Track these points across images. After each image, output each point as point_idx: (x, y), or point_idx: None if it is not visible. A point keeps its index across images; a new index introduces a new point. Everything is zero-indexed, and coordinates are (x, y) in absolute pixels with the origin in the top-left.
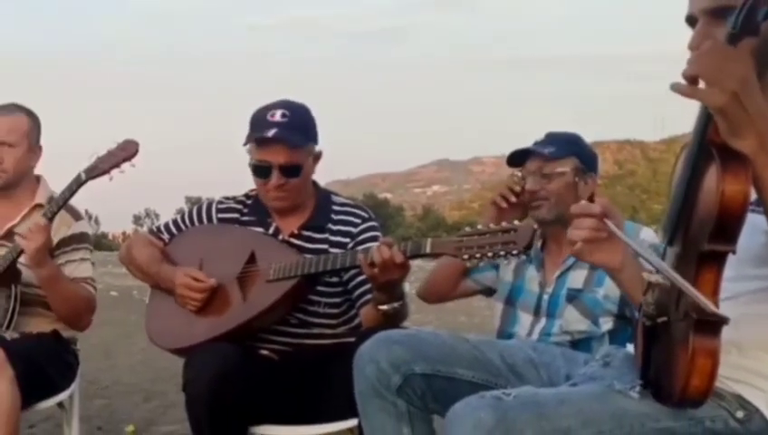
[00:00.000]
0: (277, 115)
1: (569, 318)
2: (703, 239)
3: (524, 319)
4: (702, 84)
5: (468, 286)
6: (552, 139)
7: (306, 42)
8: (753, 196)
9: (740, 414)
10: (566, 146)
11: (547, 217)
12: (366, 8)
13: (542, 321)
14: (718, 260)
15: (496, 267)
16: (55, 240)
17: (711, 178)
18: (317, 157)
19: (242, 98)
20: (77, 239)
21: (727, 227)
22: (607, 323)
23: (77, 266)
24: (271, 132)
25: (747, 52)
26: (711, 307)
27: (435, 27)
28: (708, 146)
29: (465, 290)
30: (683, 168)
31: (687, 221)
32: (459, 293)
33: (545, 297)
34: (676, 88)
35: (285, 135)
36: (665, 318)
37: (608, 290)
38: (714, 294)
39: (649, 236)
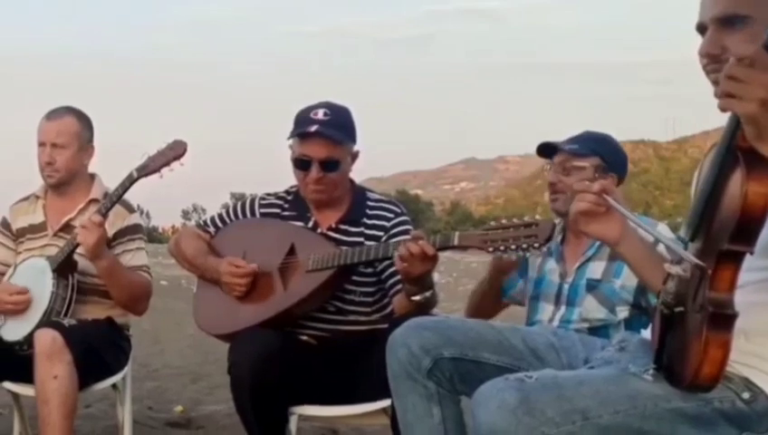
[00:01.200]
0: (320, 114)
1: (588, 307)
2: (723, 239)
3: (546, 308)
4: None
5: (506, 303)
6: (580, 137)
7: (341, 48)
8: None
9: (746, 395)
10: (590, 145)
11: (562, 209)
12: (396, 17)
13: (563, 309)
14: (736, 259)
15: (522, 276)
16: (111, 232)
17: (736, 181)
18: (355, 156)
19: (281, 100)
20: (131, 230)
21: (748, 228)
22: (623, 312)
23: (133, 256)
24: (313, 128)
25: None
26: (695, 261)
27: (460, 35)
28: (735, 150)
29: (505, 306)
30: (709, 168)
31: (710, 220)
32: (502, 309)
33: (565, 287)
34: (719, 106)
35: (326, 132)
36: (681, 308)
37: (624, 281)
38: (730, 290)
39: (665, 230)
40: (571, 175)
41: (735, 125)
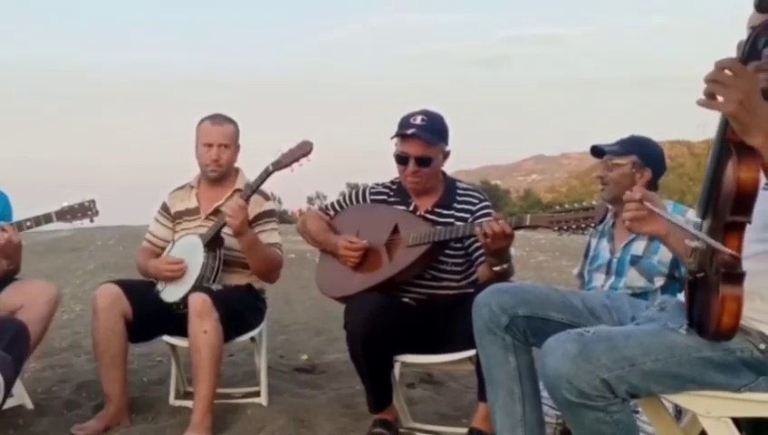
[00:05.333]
0: (418, 119)
1: (631, 277)
2: (727, 213)
3: (599, 277)
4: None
5: None
6: (622, 140)
7: (438, 67)
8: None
9: (762, 346)
10: (628, 146)
11: (606, 198)
12: (481, 41)
13: (612, 278)
14: (739, 229)
15: (586, 256)
16: (251, 215)
17: (730, 168)
18: (446, 154)
19: (388, 109)
20: (267, 214)
21: (743, 203)
22: (659, 281)
23: (268, 235)
24: (410, 131)
25: (751, 71)
26: (724, 249)
27: (532, 55)
28: (728, 143)
29: None
30: (709, 160)
31: (715, 201)
32: None
33: (614, 261)
34: (699, 103)
35: (421, 134)
36: (702, 273)
37: (661, 256)
38: (737, 253)
39: (693, 215)
40: (613, 171)
41: (725, 123)
